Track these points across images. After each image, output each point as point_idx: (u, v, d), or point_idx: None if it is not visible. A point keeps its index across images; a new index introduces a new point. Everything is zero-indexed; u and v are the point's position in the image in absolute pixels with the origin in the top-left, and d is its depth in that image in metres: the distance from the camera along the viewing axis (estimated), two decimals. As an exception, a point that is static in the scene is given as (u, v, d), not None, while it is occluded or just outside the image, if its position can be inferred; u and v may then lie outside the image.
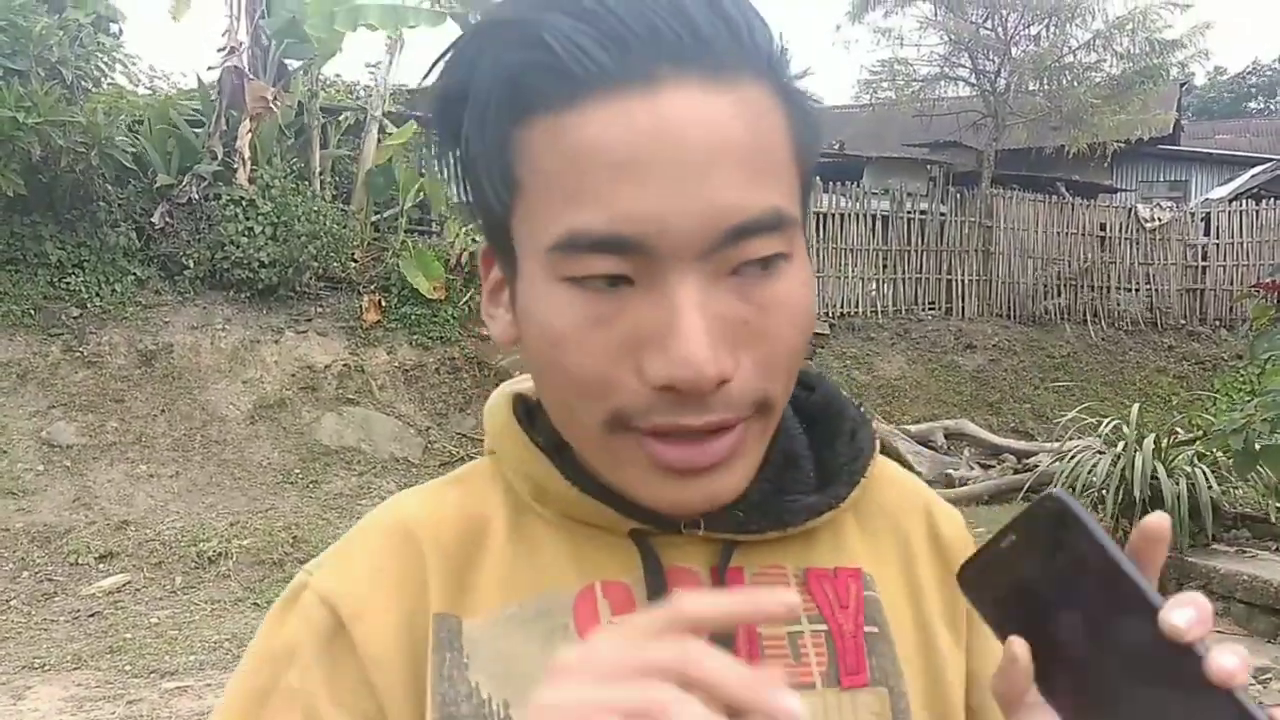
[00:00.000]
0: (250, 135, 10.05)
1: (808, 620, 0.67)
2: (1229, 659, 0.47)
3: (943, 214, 14.76)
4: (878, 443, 0.74)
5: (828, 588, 0.69)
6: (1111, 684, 0.50)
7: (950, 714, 0.70)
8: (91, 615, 6.53)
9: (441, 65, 0.62)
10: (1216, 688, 0.46)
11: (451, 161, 0.63)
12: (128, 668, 5.58)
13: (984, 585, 0.56)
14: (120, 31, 10.31)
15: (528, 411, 0.72)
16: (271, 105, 10.19)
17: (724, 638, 0.63)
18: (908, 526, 0.75)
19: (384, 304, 10.51)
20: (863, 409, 0.75)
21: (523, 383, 0.74)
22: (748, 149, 0.57)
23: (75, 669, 5.57)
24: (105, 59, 9.93)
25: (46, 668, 5.59)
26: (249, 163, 10.08)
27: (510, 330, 0.65)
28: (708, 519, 0.66)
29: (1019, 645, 0.53)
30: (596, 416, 0.59)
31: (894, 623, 0.70)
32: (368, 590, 0.66)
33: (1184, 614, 0.48)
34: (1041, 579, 0.53)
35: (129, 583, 7.05)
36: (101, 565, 7.26)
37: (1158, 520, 0.53)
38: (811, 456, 0.72)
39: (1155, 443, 6.03)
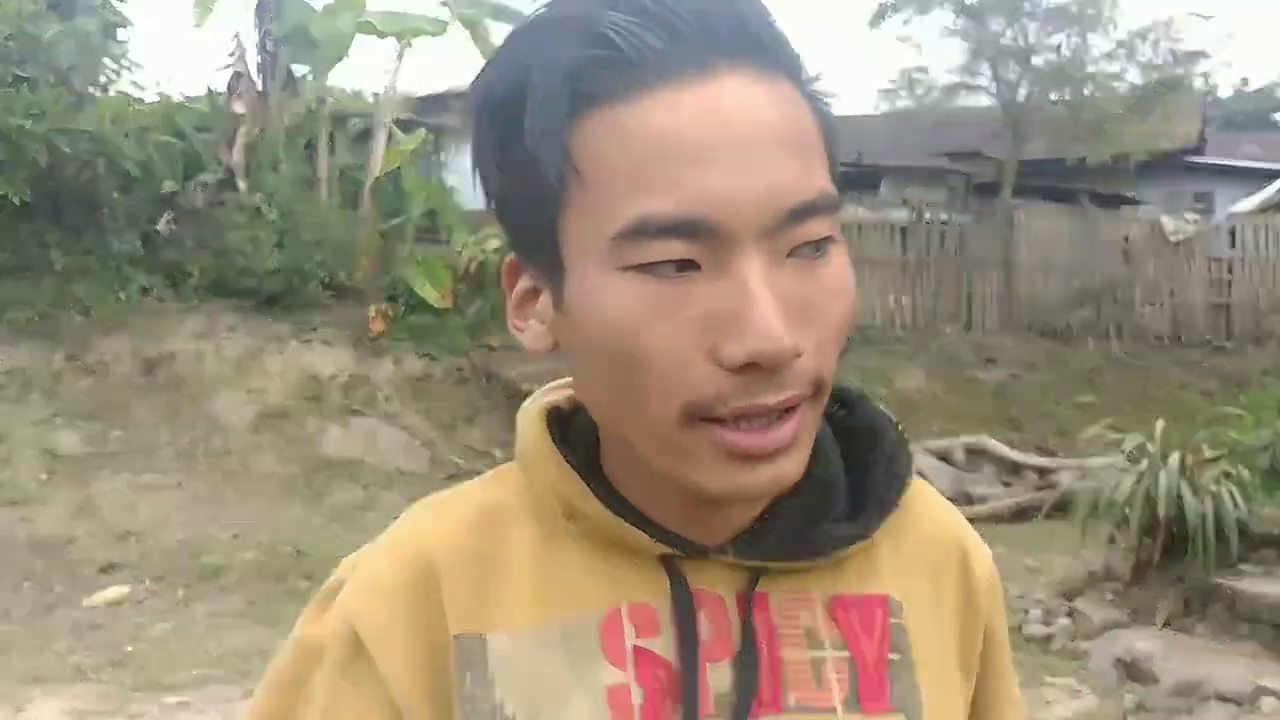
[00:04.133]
0: (250, 142, 10.06)
1: (831, 646, 0.69)
2: None
3: (963, 225, 14.66)
4: (914, 467, 0.75)
5: (853, 615, 0.71)
6: None
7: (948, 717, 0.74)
8: (93, 627, 6.50)
9: (491, 64, 0.64)
10: None
11: (493, 162, 0.64)
12: (129, 681, 5.53)
13: None
14: (129, 40, 10.36)
15: (560, 423, 0.73)
16: (266, 110, 10.20)
17: (749, 664, 0.67)
18: (940, 558, 0.77)
19: (391, 313, 10.49)
20: (900, 428, 0.76)
21: (553, 393, 0.75)
22: (795, 135, 0.60)
23: (76, 682, 5.52)
24: (113, 67, 9.97)
25: (47, 680, 5.53)
26: (245, 169, 10.09)
27: (545, 338, 0.67)
28: (739, 545, 0.68)
29: None
30: (671, 410, 0.60)
31: (917, 649, 0.72)
32: (385, 614, 0.67)
33: None
34: None
35: (131, 594, 7.01)
36: (103, 577, 7.24)
37: None
38: (845, 481, 0.73)
39: (1180, 460, 5.93)
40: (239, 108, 10.29)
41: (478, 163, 0.66)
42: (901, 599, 0.73)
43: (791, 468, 0.62)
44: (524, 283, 0.68)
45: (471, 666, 0.66)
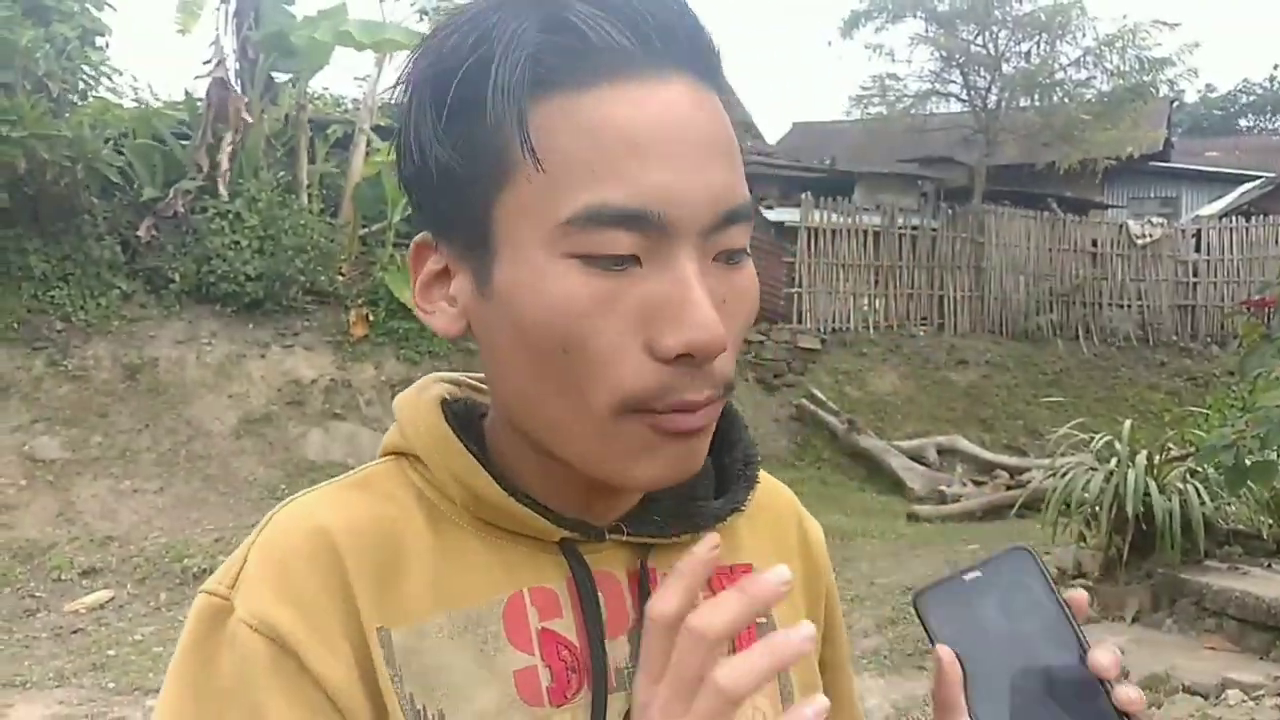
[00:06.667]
0: (231, 148, 10.02)
1: None
2: (1133, 691, 0.61)
3: (934, 229, 14.78)
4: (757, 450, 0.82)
5: (726, 584, 0.72)
6: (1032, 705, 0.63)
7: (814, 687, 0.81)
8: (74, 632, 6.47)
9: (445, 33, 0.62)
10: (1120, 714, 0.61)
11: (431, 133, 0.62)
12: (111, 685, 5.52)
13: (940, 610, 0.66)
14: (107, 45, 10.27)
15: (455, 416, 0.71)
16: (246, 116, 10.13)
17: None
18: (784, 528, 0.84)
19: (371, 318, 10.45)
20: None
21: (434, 385, 0.74)
22: (727, 144, 0.63)
23: (57, 686, 5.51)
24: (92, 72, 9.88)
25: (28, 685, 5.51)
26: (227, 175, 10.04)
27: (457, 321, 0.66)
28: (630, 524, 0.70)
29: (944, 651, 0.64)
30: (605, 400, 0.61)
31: (777, 611, 0.76)
32: (303, 608, 0.62)
33: (1108, 656, 0.62)
34: (995, 612, 0.65)
35: (112, 599, 6.99)
36: (85, 581, 7.20)
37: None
38: (710, 462, 0.75)
39: (1148, 459, 5.99)
40: (219, 114, 10.23)
41: (410, 130, 0.63)
42: (760, 567, 0.70)
43: (702, 452, 0.65)
44: (434, 263, 0.67)
45: (388, 661, 0.63)
